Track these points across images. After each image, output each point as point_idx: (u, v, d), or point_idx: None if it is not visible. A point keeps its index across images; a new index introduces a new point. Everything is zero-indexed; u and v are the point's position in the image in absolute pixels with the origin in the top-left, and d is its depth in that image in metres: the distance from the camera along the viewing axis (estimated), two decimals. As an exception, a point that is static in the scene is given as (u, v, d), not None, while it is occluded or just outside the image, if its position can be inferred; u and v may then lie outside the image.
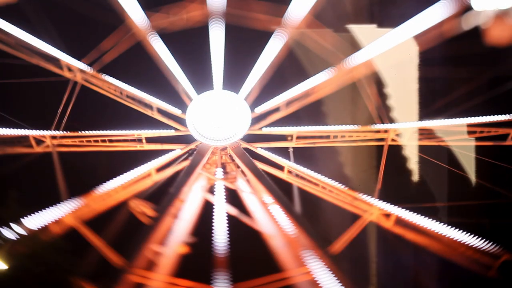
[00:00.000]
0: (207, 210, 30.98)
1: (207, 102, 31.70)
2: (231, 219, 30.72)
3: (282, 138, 32.38)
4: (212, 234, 30.03)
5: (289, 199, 32.01)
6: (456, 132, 32.04)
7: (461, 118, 31.81)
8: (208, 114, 31.57)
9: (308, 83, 31.74)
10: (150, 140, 31.83)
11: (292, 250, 30.43)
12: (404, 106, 33.40)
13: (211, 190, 31.52)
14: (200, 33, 31.41)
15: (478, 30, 29.65)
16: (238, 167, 32.05)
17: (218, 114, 31.65)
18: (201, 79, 31.72)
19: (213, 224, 30.35)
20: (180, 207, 30.26)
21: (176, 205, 30.07)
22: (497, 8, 29.25)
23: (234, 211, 30.94)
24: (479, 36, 29.41)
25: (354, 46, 32.25)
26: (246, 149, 32.01)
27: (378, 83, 32.63)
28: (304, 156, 32.70)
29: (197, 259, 29.96)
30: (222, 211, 30.79)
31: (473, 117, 31.76)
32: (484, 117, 31.50)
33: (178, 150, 31.77)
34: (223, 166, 32.09)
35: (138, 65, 32.37)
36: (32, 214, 29.65)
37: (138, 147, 31.77)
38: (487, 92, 32.35)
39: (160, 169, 31.39)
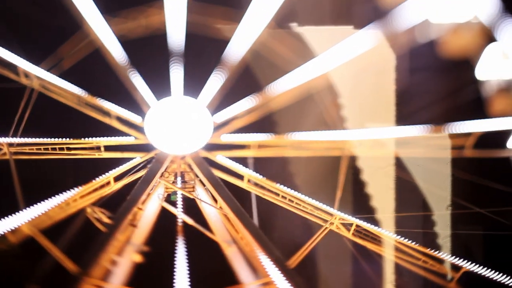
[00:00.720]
0: (164, 219, 30.79)
1: (166, 109, 31.38)
2: (188, 228, 30.57)
3: (243, 147, 32.24)
4: (169, 244, 29.86)
5: (249, 209, 32.07)
6: (412, 142, 32.12)
7: (416, 128, 31.86)
8: (168, 122, 31.29)
9: (267, 91, 31.62)
10: (108, 148, 31.53)
11: (249, 261, 30.52)
12: (362, 116, 33.40)
13: (168, 199, 31.28)
14: (159, 39, 31.24)
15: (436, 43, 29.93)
16: (197, 176, 31.85)
17: (178, 122, 31.39)
18: (161, 87, 31.47)
19: (170, 233, 30.14)
20: (137, 215, 30.02)
21: (133, 213, 29.82)
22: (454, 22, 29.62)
23: (191, 221, 30.77)
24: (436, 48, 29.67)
25: (312, 52, 32.31)
26: (206, 158, 31.84)
27: (336, 92, 32.74)
28: (265, 165, 32.64)
29: (153, 268, 29.85)
30: (179, 220, 30.69)
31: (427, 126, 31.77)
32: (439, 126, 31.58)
33: (137, 158, 31.50)
34: (182, 175, 31.82)
35: (96, 72, 32.00)
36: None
37: (96, 155, 31.43)
38: (446, 102, 32.57)
39: (118, 177, 31.11)
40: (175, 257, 29.95)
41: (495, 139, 30.98)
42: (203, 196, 31.68)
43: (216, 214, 31.50)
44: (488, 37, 29.66)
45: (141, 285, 29.34)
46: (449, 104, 32.43)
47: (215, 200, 31.36)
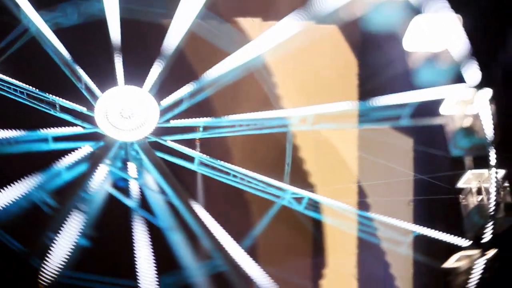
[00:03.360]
0: (111, 204, 30.87)
1: (113, 97, 31.55)
2: (134, 214, 30.83)
3: (191, 130, 32.62)
4: (115, 229, 30.12)
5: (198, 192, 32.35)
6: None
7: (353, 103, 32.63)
8: (115, 109, 31.44)
9: (210, 74, 32.19)
10: (57, 139, 31.42)
11: (193, 247, 30.78)
12: (305, 93, 34.37)
13: (115, 185, 31.40)
14: (97, 28, 31.62)
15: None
16: (143, 163, 31.83)
17: (125, 109, 31.59)
18: (103, 74, 31.65)
19: (116, 219, 30.32)
20: (84, 200, 29.98)
21: (79, 198, 29.83)
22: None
23: (136, 207, 31.08)
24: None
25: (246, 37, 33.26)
26: (155, 142, 32.07)
27: (275, 72, 33.70)
28: (214, 146, 33.10)
29: (99, 252, 29.73)
30: (126, 206, 30.87)
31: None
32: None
33: (86, 147, 31.52)
34: (128, 161, 31.96)
35: (36, 64, 32.08)
36: None
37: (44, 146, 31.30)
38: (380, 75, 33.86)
39: (69, 166, 31.01)
40: (122, 241, 30.29)
41: (429, 108, 32.30)
42: (149, 183, 31.88)
43: (161, 200, 31.67)
44: (413, 10, 31.35)
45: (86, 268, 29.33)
46: (383, 77, 33.81)
47: (161, 187, 31.57)
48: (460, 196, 31.99)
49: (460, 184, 31.82)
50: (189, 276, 30.30)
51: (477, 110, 31.04)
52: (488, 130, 30.78)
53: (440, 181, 32.87)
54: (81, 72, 31.52)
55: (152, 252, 30.74)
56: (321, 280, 35.32)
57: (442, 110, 31.52)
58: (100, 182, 30.79)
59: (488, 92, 30.90)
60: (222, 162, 32.07)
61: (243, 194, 32.83)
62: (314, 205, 32.27)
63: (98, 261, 30.51)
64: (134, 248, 30.63)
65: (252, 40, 32.31)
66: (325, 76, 34.89)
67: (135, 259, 30.54)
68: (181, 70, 32.86)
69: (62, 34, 31.52)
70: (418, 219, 33.53)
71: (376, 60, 33.83)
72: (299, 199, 32.27)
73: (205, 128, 32.42)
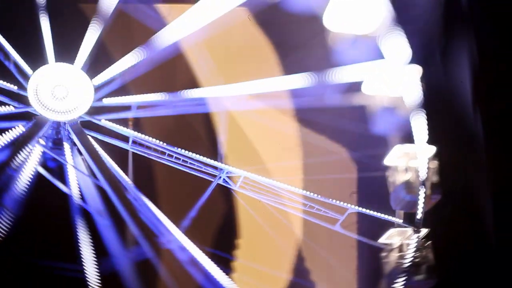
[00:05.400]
0: (39, 184, 30.34)
1: (45, 75, 30.84)
2: (60, 196, 30.54)
3: (125, 108, 32.20)
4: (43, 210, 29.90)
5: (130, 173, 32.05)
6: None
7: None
8: (47, 87, 30.79)
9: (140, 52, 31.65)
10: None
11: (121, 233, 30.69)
12: (233, 71, 34.18)
13: (45, 165, 30.96)
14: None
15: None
16: (75, 144, 31.52)
17: (58, 89, 31.01)
18: (30, 51, 30.94)
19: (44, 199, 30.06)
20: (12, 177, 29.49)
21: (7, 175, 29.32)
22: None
23: (65, 189, 30.85)
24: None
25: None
26: (88, 122, 31.58)
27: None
28: (148, 125, 32.79)
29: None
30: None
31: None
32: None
33: (18, 127, 30.81)
34: (59, 142, 31.46)
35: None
36: None
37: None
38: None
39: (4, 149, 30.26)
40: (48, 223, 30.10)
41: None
42: (79, 165, 31.54)
43: (90, 184, 31.38)
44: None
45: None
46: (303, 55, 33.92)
47: (91, 170, 31.25)
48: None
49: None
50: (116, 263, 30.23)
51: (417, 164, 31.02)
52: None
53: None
54: (9, 48, 30.77)
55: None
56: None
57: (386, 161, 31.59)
58: (30, 162, 30.33)
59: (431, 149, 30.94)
60: (156, 141, 31.82)
61: (179, 174, 32.57)
62: (250, 184, 32.38)
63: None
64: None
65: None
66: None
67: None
68: (112, 46, 32.44)
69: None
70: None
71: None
72: (234, 178, 32.38)
73: (139, 107, 32.14)
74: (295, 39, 34.41)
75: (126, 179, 31.71)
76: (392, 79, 31.38)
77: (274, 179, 32.44)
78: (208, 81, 33.11)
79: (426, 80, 31.03)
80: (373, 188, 33.66)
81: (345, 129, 34.13)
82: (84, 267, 30.31)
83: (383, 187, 31.86)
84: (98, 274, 30.52)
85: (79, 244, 30.77)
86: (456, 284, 33.08)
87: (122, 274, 30.43)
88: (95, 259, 30.65)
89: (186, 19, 31.65)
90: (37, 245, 31.47)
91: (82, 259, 30.60)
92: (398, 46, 30.85)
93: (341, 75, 31.80)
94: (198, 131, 34.22)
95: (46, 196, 30.99)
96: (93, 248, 30.79)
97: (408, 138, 31.28)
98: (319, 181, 34.16)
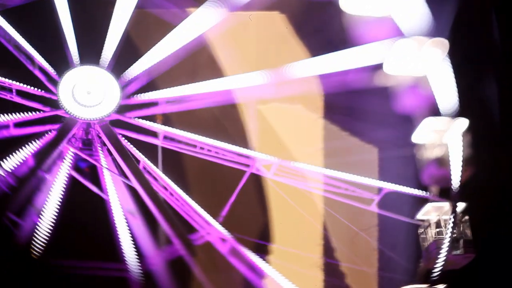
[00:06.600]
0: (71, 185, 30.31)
1: (72, 79, 30.63)
2: (94, 196, 30.47)
3: (153, 105, 31.82)
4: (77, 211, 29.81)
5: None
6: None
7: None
8: (76, 90, 30.55)
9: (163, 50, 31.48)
10: (18, 125, 30.28)
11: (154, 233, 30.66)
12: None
13: (76, 167, 30.89)
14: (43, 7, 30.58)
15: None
16: (105, 144, 31.28)
17: (85, 91, 30.77)
18: (55, 55, 30.72)
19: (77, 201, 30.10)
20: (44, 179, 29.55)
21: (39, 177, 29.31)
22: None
23: (96, 190, 30.71)
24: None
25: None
26: (117, 120, 31.29)
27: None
28: (177, 120, 32.54)
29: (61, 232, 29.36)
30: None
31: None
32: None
33: (51, 131, 30.49)
34: (89, 143, 31.23)
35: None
36: None
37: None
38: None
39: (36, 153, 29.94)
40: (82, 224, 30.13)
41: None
42: (110, 166, 31.22)
43: (121, 184, 31.07)
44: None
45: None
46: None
47: (122, 170, 30.93)
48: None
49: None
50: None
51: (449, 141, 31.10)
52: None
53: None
54: (33, 53, 30.41)
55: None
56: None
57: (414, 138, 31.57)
58: (61, 164, 30.24)
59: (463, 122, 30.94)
60: (187, 134, 31.58)
61: (209, 167, 32.36)
62: (284, 171, 32.20)
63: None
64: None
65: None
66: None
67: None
68: (132, 46, 32.18)
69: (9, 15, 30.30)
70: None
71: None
72: (267, 166, 32.21)
73: (167, 102, 31.87)
74: (315, 22, 34.13)
75: (160, 175, 31.39)
76: (415, 56, 31.31)
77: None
78: (234, 71, 32.73)
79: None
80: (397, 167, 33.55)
81: (370, 109, 34.02)
82: (129, 265, 30.05)
83: (409, 165, 32.08)
84: (141, 273, 30.37)
85: (121, 244, 30.49)
86: (494, 258, 33.05)
87: (156, 273, 30.41)
88: (137, 258, 30.42)
89: (206, 12, 31.53)
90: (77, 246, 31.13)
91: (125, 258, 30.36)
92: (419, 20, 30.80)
93: (363, 56, 31.65)
94: (226, 123, 33.92)
95: (78, 196, 30.73)
96: (134, 248, 30.55)
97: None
98: (346, 164, 33.79)
